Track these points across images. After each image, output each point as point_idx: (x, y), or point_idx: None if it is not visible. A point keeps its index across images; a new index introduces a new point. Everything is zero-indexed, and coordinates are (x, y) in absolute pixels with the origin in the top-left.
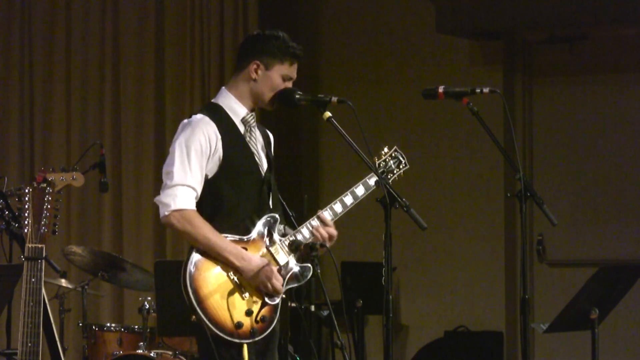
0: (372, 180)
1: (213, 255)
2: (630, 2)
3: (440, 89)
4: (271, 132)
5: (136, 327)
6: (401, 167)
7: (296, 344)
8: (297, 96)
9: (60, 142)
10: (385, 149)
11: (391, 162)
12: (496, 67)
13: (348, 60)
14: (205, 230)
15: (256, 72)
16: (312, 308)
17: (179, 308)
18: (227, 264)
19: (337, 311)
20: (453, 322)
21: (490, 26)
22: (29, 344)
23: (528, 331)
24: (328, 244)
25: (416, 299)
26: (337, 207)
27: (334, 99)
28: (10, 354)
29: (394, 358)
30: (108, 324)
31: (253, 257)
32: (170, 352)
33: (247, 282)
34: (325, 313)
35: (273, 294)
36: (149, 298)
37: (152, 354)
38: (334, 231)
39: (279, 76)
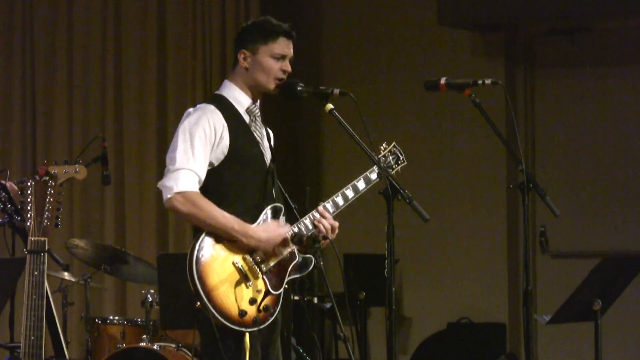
0: (373, 175)
1: (220, 233)
2: None
3: (442, 81)
4: (273, 123)
5: (139, 320)
6: (399, 162)
7: (299, 337)
8: (299, 88)
9: (63, 135)
10: (384, 145)
11: (390, 157)
12: (498, 58)
13: (350, 53)
14: (210, 209)
15: (245, 61)
16: (315, 300)
17: (181, 301)
18: (234, 242)
19: (339, 303)
20: (456, 313)
21: (492, 18)
22: (32, 337)
23: (531, 322)
24: (331, 236)
25: (419, 291)
26: (339, 200)
27: (336, 91)
28: (14, 347)
29: (396, 350)
30: (111, 317)
31: (257, 230)
32: (173, 345)
33: (252, 271)
34: (328, 305)
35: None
36: (152, 291)
37: (155, 347)
38: (335, 222)
39: (268, 57)
